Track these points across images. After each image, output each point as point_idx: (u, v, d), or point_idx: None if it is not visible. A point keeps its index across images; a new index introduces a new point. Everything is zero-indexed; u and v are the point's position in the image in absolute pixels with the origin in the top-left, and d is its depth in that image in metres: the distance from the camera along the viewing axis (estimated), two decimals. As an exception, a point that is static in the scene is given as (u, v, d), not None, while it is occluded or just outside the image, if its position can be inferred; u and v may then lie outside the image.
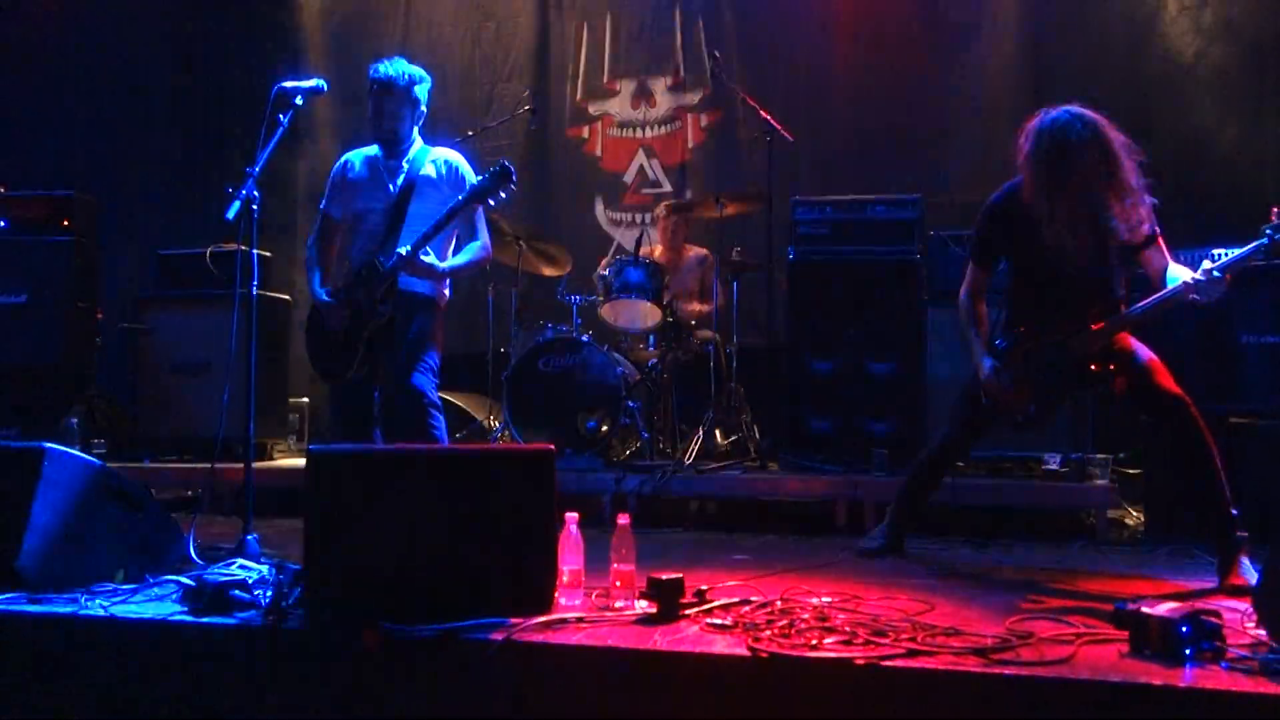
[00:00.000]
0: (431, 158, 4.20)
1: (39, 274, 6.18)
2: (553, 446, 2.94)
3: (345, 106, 7.07)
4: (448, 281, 4.27)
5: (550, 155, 7.46)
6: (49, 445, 3.07)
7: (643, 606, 2.79)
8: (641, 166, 7.36)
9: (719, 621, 2.67)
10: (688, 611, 2.76)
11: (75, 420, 5.97)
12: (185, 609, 2.84)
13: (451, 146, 4.38)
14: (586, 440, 5.37)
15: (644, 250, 5.88)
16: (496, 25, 7.54)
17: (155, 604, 2.93)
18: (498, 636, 2.55)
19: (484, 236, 4.21)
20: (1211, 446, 3.33)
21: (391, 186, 4.15)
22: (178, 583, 3.01)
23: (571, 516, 2.92)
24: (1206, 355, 4.49)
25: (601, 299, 5.71)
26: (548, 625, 2.64)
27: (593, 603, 2.87)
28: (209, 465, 5.37)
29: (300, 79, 3.79)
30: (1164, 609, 2.41)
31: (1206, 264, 3.28)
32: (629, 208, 7.34)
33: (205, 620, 2.77)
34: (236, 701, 2.69)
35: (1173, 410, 3.37)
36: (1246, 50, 6.09)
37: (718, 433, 5.73)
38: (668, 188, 7.22)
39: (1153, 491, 4.57)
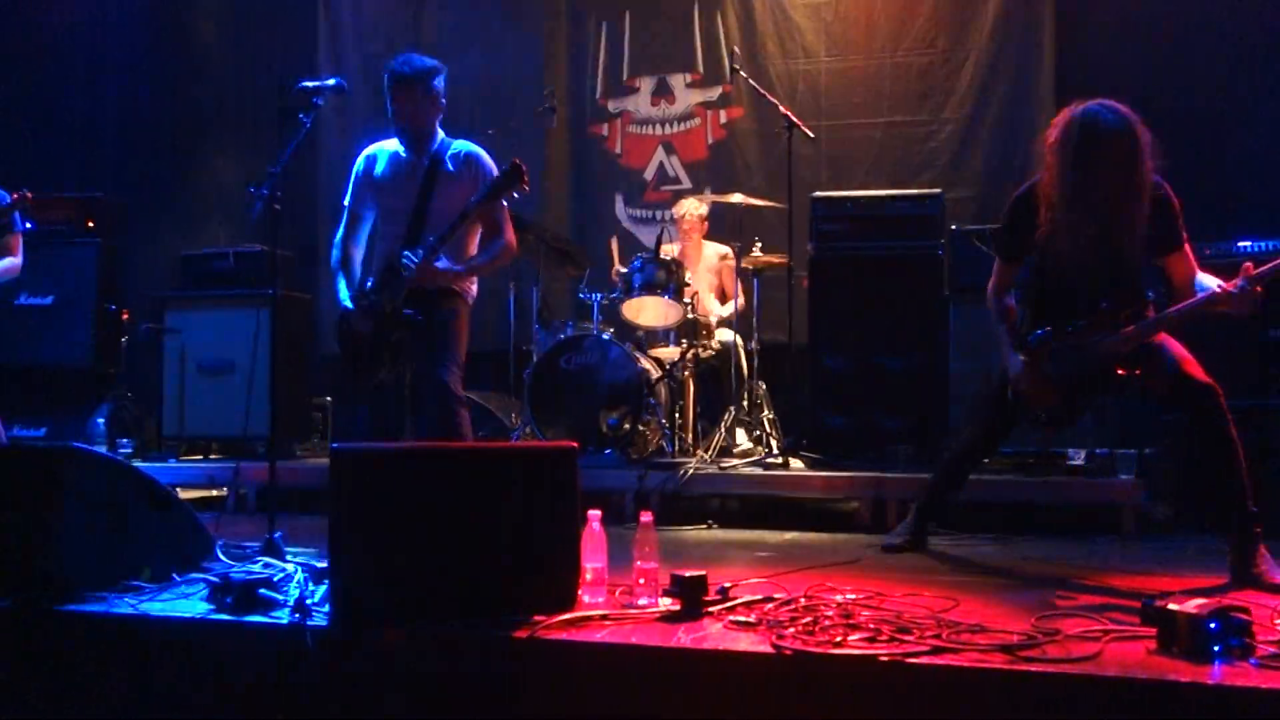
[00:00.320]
0: (452, 152, 4.20)
1: (66, 276, 6.26)
2: (575, 444, 2.94)
3: (365, 104, 7.10)
4: (474, 278, 4.27)
5: (571, 153, 7.47)
6: (76, 445, 3.11)
7: (666, 604, 2.79)
8: (661, 163, 7.36)
9: (743, 619, 2.66)
10: (711, 609, 2.75)
11: (102, 420, 6.03)
12: (212, 607, 2.86)
13: (472, 143, 4.37)
14: (608, 438, 5.37)
15: (664, 247, 5.87)
16: (516, 23, 7.55)
17: (183, 602, 2.94)
18: (522, 634, 2.55)
19: (507, 233, 4.21)
20: (1235, 438, 3.30)
21: (413, 183, 4.16)
22: (205, 581, 3.03)
23: (594, 514, 2.92)
24: (1233, 351, 4.45)
25: (622, 296, 5.71)
26: (571, 623, 2.64)
27: (616, 600, 2.86)
28: (234, 464, 5.46)
29: (320, 78, 3.81)
30: (1192, 605, 2.38)
31: (1246, 269, 3.22)
32: (649, 204, 7.34)
33: (232, 618, 2.78)
34: (262, 699, 2.71)
35: (1200, 398, 3.33)
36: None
37: (739, 430, 5.73)
38: (687, 184, 7.22)
39: (1180, 486, 4.53)
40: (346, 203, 4.34)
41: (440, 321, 4.10)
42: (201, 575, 3.13)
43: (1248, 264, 3.25)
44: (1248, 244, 4.79)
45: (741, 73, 6.33)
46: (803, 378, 5.51)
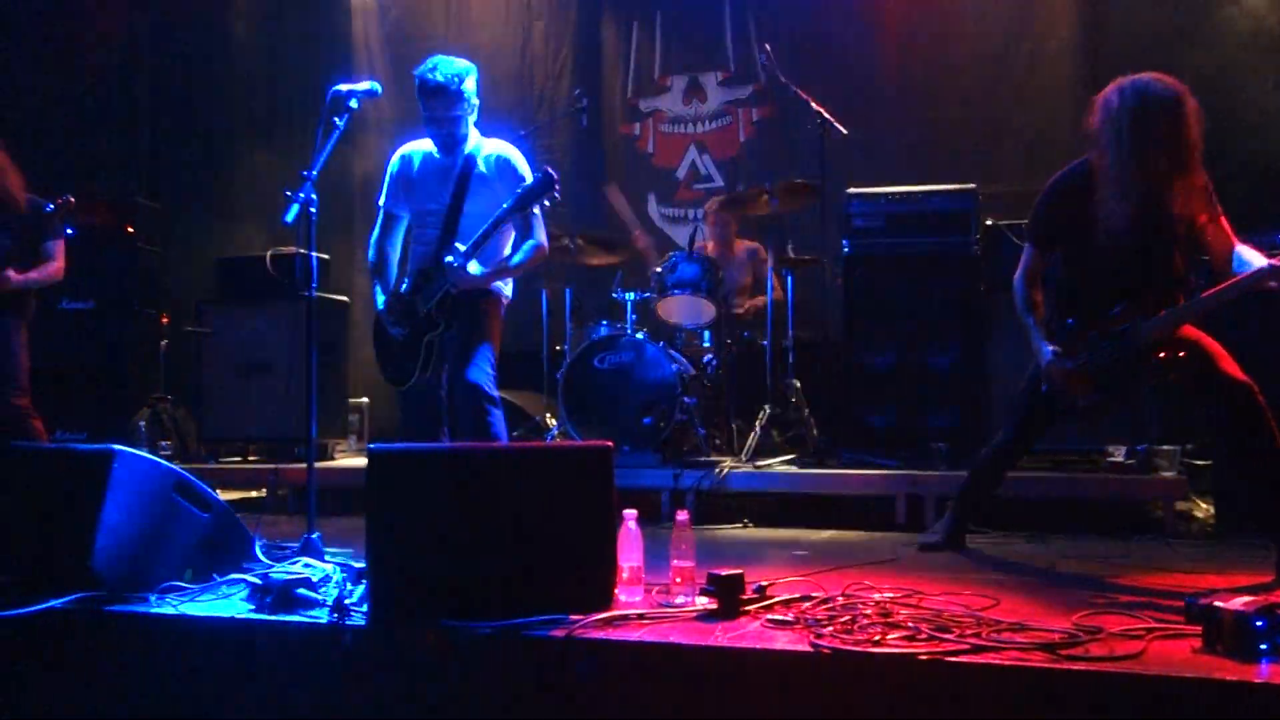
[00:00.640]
0: (485, 153, 4.20)
1: (105, 280, 6.34)
2: (610, 443, 2.94)
3: (399, 107, 7.14)
4: (509, 280, 4.29)
5: (602, 152, 7.48)
6: (118, 448, 3.13)
7: (703, 603, 2.78)
8: (693, 162, 7.35)
9: (780, 618, 2.65)
10: (748, 608, 2.74)
11: (143, 423, 6.11)
12: (252, 607, 2.89)
13: (507, 142, 4.37)
14: (643, 437, 5.37)
15: (697, 246, 5.86)
16: (546, 23, 7.57)
17: (223, 602, 2.98)
18: (559, 633, 2.56)
19: (540, 235, 4.21)
20: (1275, 434, 3.25)
21: (446, 185, 4.17)
22: (245, 581, 3.06)
23: (630, 513, 2.92)
24: (1270, 346, 4.37)
25: (656, 295, 5.71)
26: (608, 622, 2.64)
27: (653, 599, 2.87)
28: (272, 465, 5.51)
29: (354, 81, 3.83)
30: (1237, 603, 2.35)
31: None
32: (681, 203, 7.33)
33: (272, 618, 2.81)
34: (302, 698, 2.73)
35: (1236, 395, 3.28)
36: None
37: (775, 429, 5.71)
38: (720, 183, 7.20)
39: (1223, 483, 4.47)
40: (381, 204, 4.37)
41: (474, 323, 4.12)
42: (242, 576, 3.16)
43: None
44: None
45: (774, 69, 6.30)
46: (838, 375, 5.48)
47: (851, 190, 5.55)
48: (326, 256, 6.27)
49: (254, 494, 5.91)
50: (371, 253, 4.35)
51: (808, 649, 2.41)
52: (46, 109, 7.68)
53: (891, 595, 2.88)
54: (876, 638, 2.42)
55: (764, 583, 2.88)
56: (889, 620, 2.57)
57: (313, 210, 3.61)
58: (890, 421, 5.25)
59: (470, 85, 4.13)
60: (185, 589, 3.05)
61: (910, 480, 4.79)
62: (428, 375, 4.12)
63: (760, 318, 6.12)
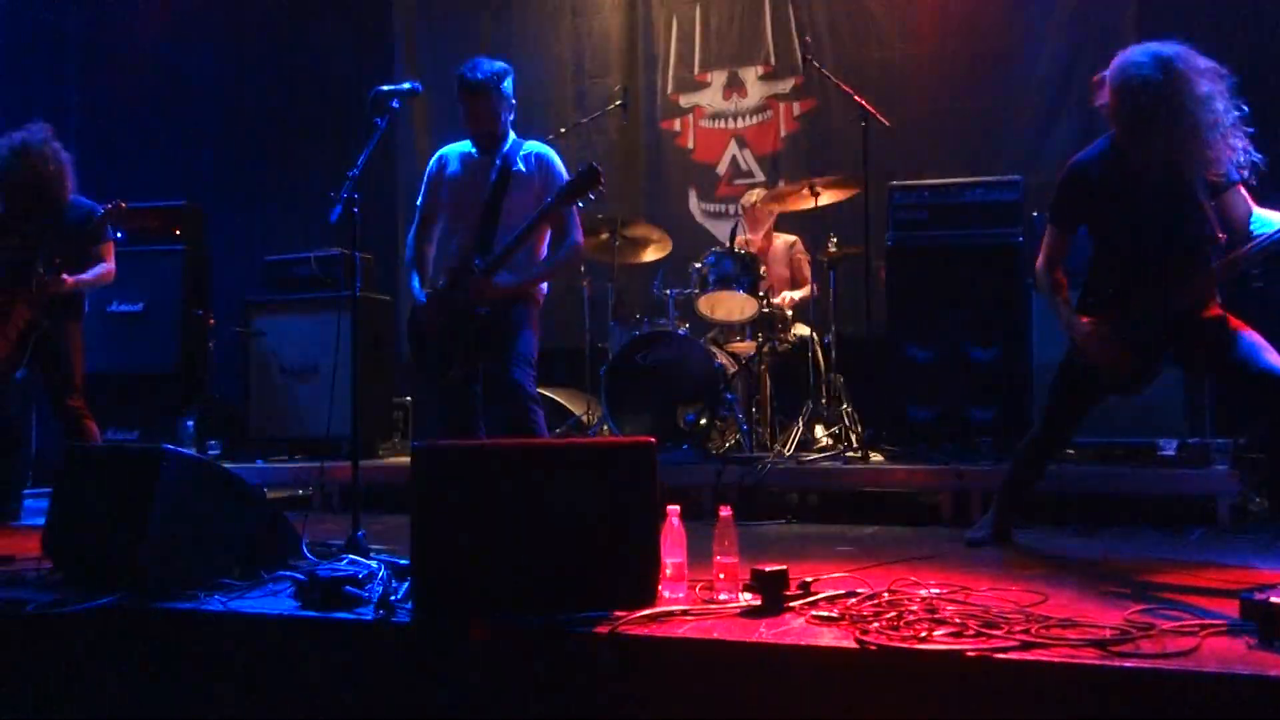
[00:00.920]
0: (523, 153, 4.22)
1: (153, 283, 6.44)
2: (653, 439, 2.94)
3: (439, 106, 7.19)
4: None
5: (642, 149, 7.46)
6: (167, 447, 3.17)
7: (747, 599, 2.77)
8: (734, 157, 7.32)
9: (825, 614, 2.63)
10: (793, 604, 2.73)
11: (191, 423, 6.19)
12: (299, 604, 2.91)
13: (544, 143, 4.40)
14: (685, 433, 5.36)
15: (738, 241, 5.84)
16: (586, 20, 7.57)
17: (271, 599, 3.01)
18: (603, 629, 2.56)
19: (576, 234, 4.22)
20: None
21: (485, 184, 4.19)
22: (292, 579, 3.09)
23: (673, 509, 2.91)
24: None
25: (697, 291, 5.69)
26: (652, 618, 2.64)
27: (696, 595, 2.86)
28: (318, 464, 5.56)
29: (395, 82, 3.85)
30: (1294, 598, 2.30)
31: None
32: (722, 199, 7.30)
33: (318, 615, 2.83)
34: (348, 694, 2.76)
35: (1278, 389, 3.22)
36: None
37: (817, 424, 5.67)
38: (761, 177, 7.16)
39: (1277, 476, 4.37)
40: (419, 203, 4.40)
41: (512, 320, 4.14)
42: (289, 573, 3.19)
43: None
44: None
45: (814, 63, 6.26)
46: (882, 369, 5.43)
47: (894, 183, 5.49)
48: (370, 256, 6.33)
49: (300, 492, 5.97)
50: (409, 251, 4.38)
51: (853, 645, 2.39)
52: (96, 114, 7.82)
53: (938, 591, 2.85)
54: (923, 634, 2.40)
55: (808, 579, 2.86)
56: (935, 616, 2.54)
57: (356, 210, 3.63)
58: (934, 415, 5.20)
59: (508, 86, 4.17)
60: (233, 586, 3.09)
61: (955, 474, 4.74)
62: (463, 372, 4.14)
63: (800, 310, 6.08)
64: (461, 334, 4.11)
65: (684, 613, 2.69)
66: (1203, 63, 3.31)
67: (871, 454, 5.26)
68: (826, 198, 5.87)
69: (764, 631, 2.53)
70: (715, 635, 2.52)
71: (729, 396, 5.36)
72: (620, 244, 6.03)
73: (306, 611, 2.86)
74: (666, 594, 2.82)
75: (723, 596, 2.81)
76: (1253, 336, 3.34)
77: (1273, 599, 2.33)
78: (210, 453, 6.25)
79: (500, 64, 4.16)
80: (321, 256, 6.24)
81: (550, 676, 2.59)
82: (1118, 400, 3.85)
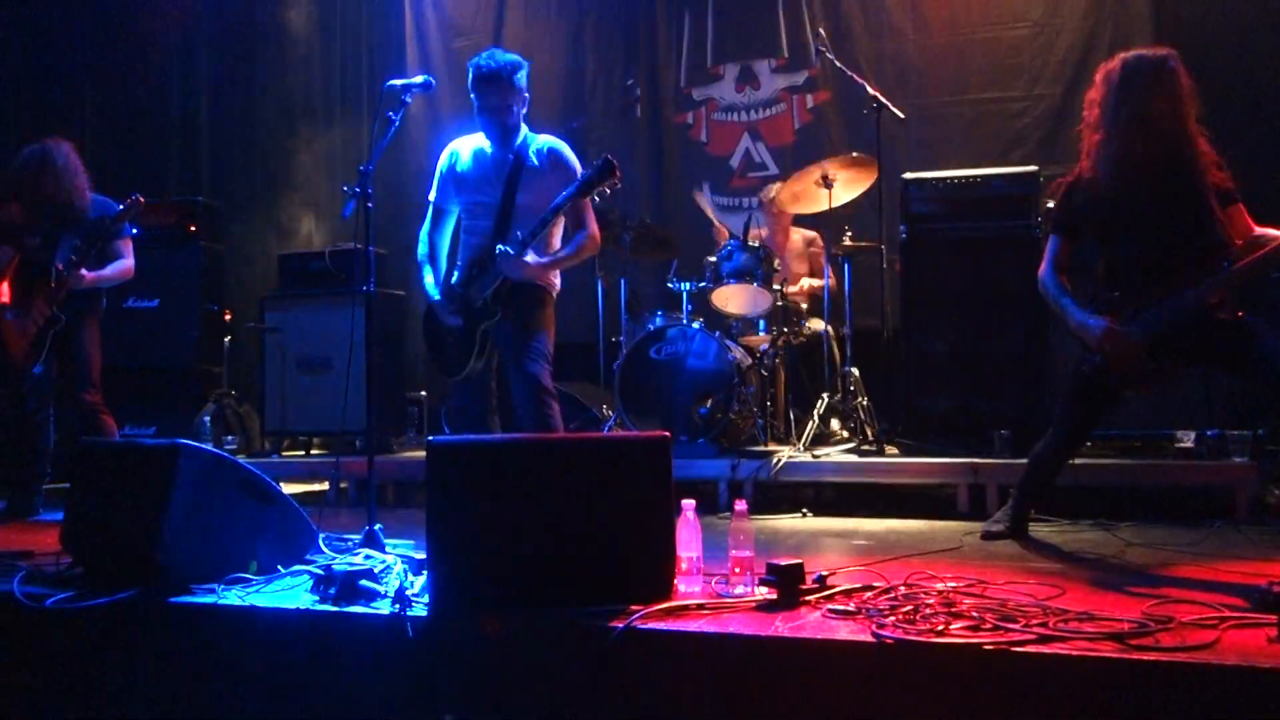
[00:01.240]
0: (536, 147, 4.22)
1: (170, 279, 6.47)
2: (668, 433, 2.93)
3: (452, 102, 7.19)
4: (557, 271, 4.29)
5: (656, 143, 7.46)
6: (184, 442, 3.18)
7: (763, 593, 2.77)
8: (747, 150, 7.31)
9: (841, 607, 2.62)
10: (809, 598, 2.72)
11: (208, 418, 6.22)
12: (316, 598, 2.92)
13: (557, 137, 4.39)
14: (700, 427, 5.36)
15: (752, 234, 5.83)
16: (599, 14, 7.56)
17: (287, 593, 3.02)
18: (618, 624, 2.56)
19: (591, 226, 4.22)
20: None
21: (499, 178, 4.19)
22: (308, 573, 3.10)
23: (688, 503, 2.91)
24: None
25: (711, 285, 5.69)
26: (668, 612, 2.64)
27: (712, 589, 2.86)
28: (334, 458, 5.58)
29: (408, 76, 3.85)
30: (1315, 591, 2.29)
31: None
32: (736, 192, 7.29)
33: (335, 609, 2.84)
34: (364, 687, 2.76)
35: None
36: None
37: (833, 417, 5.66)
38: (775, 170, 7.14)
39: (1296, 469, 4.35)
40: (431, 198, 4.39)
41: (527, 315, 4.13)
42: (305, 567, 3.20)
43: None
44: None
45: (828, 54, 6.24)
46: (897, 363, 5.42)
47: (908, 175, 5.47)
48: (384, 251, 6.34)
49: (316, 487, 5.99)
50: (422, 246, 4.38)
51: (870, 639, 2.38)
52: (109, 113, 7.85)
53: (955, 585, 2.84)
54: (940, 627, 2.39)
55: (824, 572, 2.86)
56: (952, 610, 2.53)
57: (369, 205, 3.64)
58: (950, 409, 5.18)
59: (521, 79, 4.15)
60: (250, 581, 3.10)
61: (971, 468, 4.73)
62: (479, 366, 4.15)
63: (815, 303, 6.07)
64: (477, 328, 4.11)
65: (699, 607, 2.69)
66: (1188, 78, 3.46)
67: (887, 448, 5.25)
68: (841, 195, 5.84)
69: (779, 625, 2.53)
70: (731, 629, 2.52)
71: (744, 390, 5.36)
72: (633, 239, 6.02)
73: (323, 606, 2.87)
74: (682, 588, 2.83)
75: (738, 590, 2.81)
76: (1273, 335, 3.32)
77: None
78: (227, 447, 6.27)
79: (514, 56, 4.15)
80: (335, 251, 6.26)
81: (565, 670, 2.59)
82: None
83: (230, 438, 6.34)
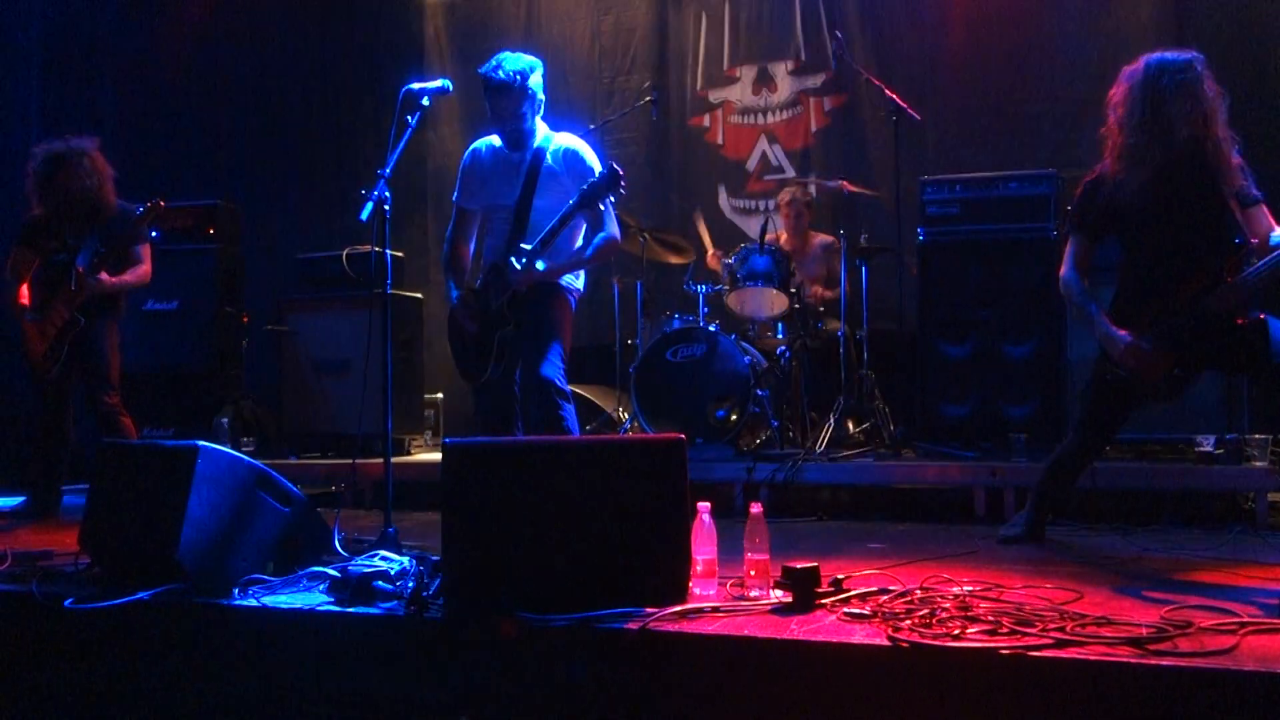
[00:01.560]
0: (553, 148, 4.21)
1: (188, 281, 6.50)
2: (683, 436, 2.93)
3: (470, 104, 7.20)
4: (581, 272, 4.30)
5: (672, 145, 7.47)
6: (202, 444, 3.20)
7: (778, 596, 2.77)
8: (764, 153, 7.30)
9: (857, 611, 2.62)
10: (824, 601, 2.72)
11: (226, 420, 6.25)
12: (332, 599, 2.93)
13: (578, 137, 4.38)
14: (716, 430, 5.35)
15: (769, 237, 5.82)
16: (615, 17, 7.58)
17: (304, 595, 3.03)
18: (633, 626, 2.56)
19: (611, 227, 4.21)
20: None
21: (516, 180, 4.19)
22: (324, 574, 3.11)
23: (704, 506, 2.91)
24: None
25: (728, 288, 5.68)
26: (683, 615, 2.64)
27: (727, 592, 2.85)
28: (351, 461, 5.60)
29: (425, 79, 3.86)
30: (1336, 597, 2.27)
31: None
32: (752, 195, 7.29)
33: (351, 610, 2.85)
34: (380, 689, 2.77)
35: None
36: None
37: (849, 420, 5.65)
38: (791, 173, 7.14)
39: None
40: (455, 199, 4.41)
41: (545, 318, 4.14)
42: (322, 569, 3.20)
43: None
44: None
45: (845, 57, 6.22)
46: (914, 366, 5.40)
47: (926, 177, 5.46)
48: (400, 254, 6.36)
49: (333, 489, 6.00)
50: (445, 249, 4.39)
51: (885, 643, 2.37)
52: (127, 114, 7.89)
53: (971, 588, 2.82)
54: (956, 631, 2.38)
55: (840, 576, 2.85)
56: (969, 614, 2.52)
57: (387, 208, 3.65)
58: (967, 412, 5.17)
59: (535, 80, 4.14)
60: (267, 581, 3.11)
61: (989, 472, 4.71)
62: (500, 371, 4.15)
63: (832, 305, 6.05)
64: (497, 333, 4.11)
65: (715, 609, 2.68)
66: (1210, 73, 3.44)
67: (904, 451, 5.23)
68: (857, 193, 5.83)
69: (795, 629, 2.52)
70: (746, 632, 2.52)
71: (760, 393, 5.35)
72: (648, 242, 6.02)
73: (339, 607, 2.88)
74: (697, 591, 2.82)
75: (754, 593, 2.80)
76: None
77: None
78: (244, 449, 6.29)
79: (526, 60, 4.13)
80: (353, 254, 6.27)
81: (581, 673, 2.59)
82: (1154, 397, 3.82)
83: (248, 439, 6.36)
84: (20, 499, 5.23)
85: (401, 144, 3.72)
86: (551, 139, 4.23)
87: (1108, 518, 4.28)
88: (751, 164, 7.32)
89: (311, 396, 6.21)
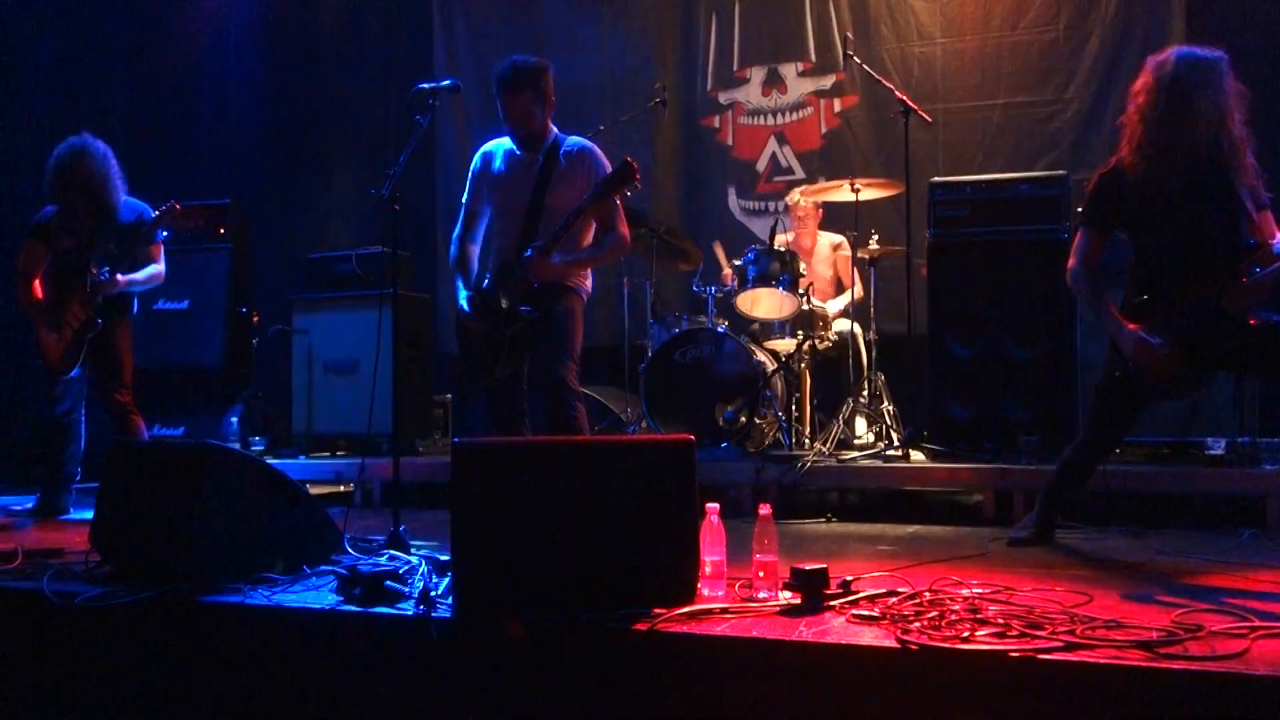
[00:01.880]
0: (565, 149, 4.22)
1: (199, 281, 6.52)
2: (692, 437, 2.93)
3: (480, 104, 7.21)
4: (589, 273, 4.30)
5: (682, 146, 7.46)
6: (212, 443, 3.21)
7: (787, 597, 2.76)
8: (774, 154, 7.29)
9: (866, 613, 2.61)
10: (833, 603, 2.71)
11: (235, 419, 6.27)
12: (341, 599, 2.94)
13: (585, 139, 4.40)
14: (725, 431, 5.35)
15: (778, 239, 5.82)
16: (626, 18, 7.57)
17: (313, 593, 3.03)
18: (641, 627, 2.56)
19: (620, 227, 4.22)
20: None
21: (528, 180, 4.20)
22: (334, 573, 3.11)
23: (712, 507, 2.91)
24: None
25: (736, 289, 5.68)
26: (691, 616, 2.63)
27: (736, 594, 2.85)
28: (360, 460, 5.61)
29: (436, 80, 3.87)
30: (1348, 601, 2.26)
31: None
32: (762, 196, 7.28)
33: (360, 609, 2.85)
34: (389, 688, 2.78)
35: None
36: None
37: (858, 422, 5.64)
38: (800, 174, 7.13)
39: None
40: (464, 200, 4.41)
41: (555, 318, 4.14)
42: (331, 568, 3.22)
43: None
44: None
45: (855, 59, 6.21)
46: (923, 368, 5.39)
47: (935, 179, 5.44)
48: (410, 254, 6.37)
49: (342, 488, 6.02)
50: (454, 249, 4.40)
51: (894, 645, 2.37)
52: (139, 115, 7.93)
53: (980, 591, 2.82)
54: (965, 634, 2.37)
55: (849, 577, 2.85)
56: (978, 616, 2.51)
57: (396, 208, 3.65)
58: (976, 414, 5.15)
59: (545, 82, 4.15)
60: (276, 580, 3.12)
61: (998, 474, 4.69)
62: (509, 371, 4.16)
63: (843, 311, 6.04)
64: (506, 332, 4.12)
65: (723, 611, 2.68)
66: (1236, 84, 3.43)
67: (912, 452, 5.22)
68: (868, 193, 5.83)
69: (804, 630, 2.52)
70: (754, 634, 2.51)
71: (768, 394, 5.34)
72: (658, 244, 6.02)
73: (348, 606, 2.88)
74: (705, 592, 2.82)
75: (762, 595, 2.80)
76: None
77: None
78: (254, 448, 6.33)
79: (537, 60, 4.15)
80: (362, 254, 6.29)
81: (589, 673, 2.59)
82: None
83: (257, 439, 6.39)
84: (31, 498, 5.25)
85: (412, 144, 3.73)
86: (563, 140, 4.24)
87: (1118, 520, 4.26)
88: (761, 165, 7.31)
89: (321, 396, 6.22)
